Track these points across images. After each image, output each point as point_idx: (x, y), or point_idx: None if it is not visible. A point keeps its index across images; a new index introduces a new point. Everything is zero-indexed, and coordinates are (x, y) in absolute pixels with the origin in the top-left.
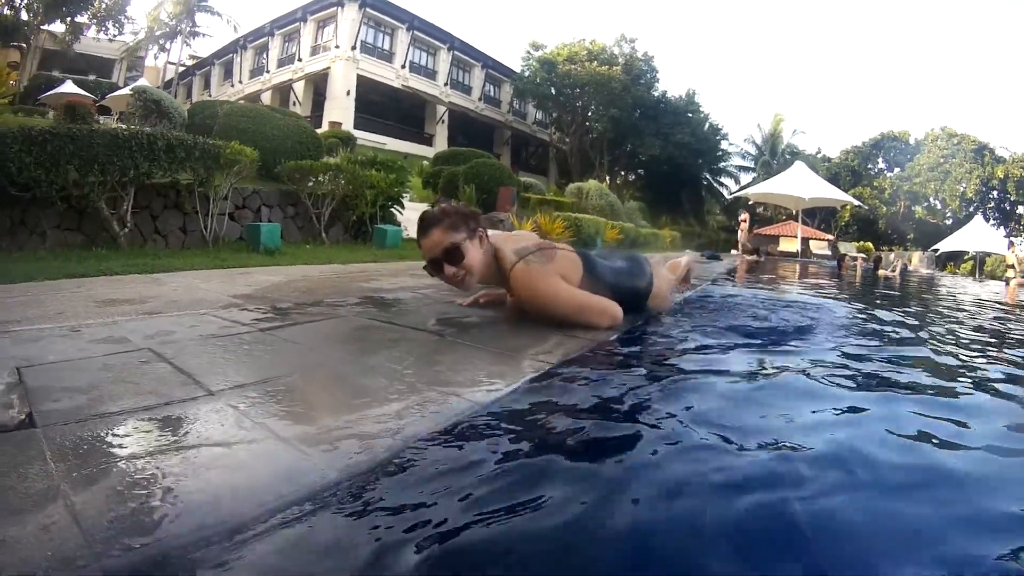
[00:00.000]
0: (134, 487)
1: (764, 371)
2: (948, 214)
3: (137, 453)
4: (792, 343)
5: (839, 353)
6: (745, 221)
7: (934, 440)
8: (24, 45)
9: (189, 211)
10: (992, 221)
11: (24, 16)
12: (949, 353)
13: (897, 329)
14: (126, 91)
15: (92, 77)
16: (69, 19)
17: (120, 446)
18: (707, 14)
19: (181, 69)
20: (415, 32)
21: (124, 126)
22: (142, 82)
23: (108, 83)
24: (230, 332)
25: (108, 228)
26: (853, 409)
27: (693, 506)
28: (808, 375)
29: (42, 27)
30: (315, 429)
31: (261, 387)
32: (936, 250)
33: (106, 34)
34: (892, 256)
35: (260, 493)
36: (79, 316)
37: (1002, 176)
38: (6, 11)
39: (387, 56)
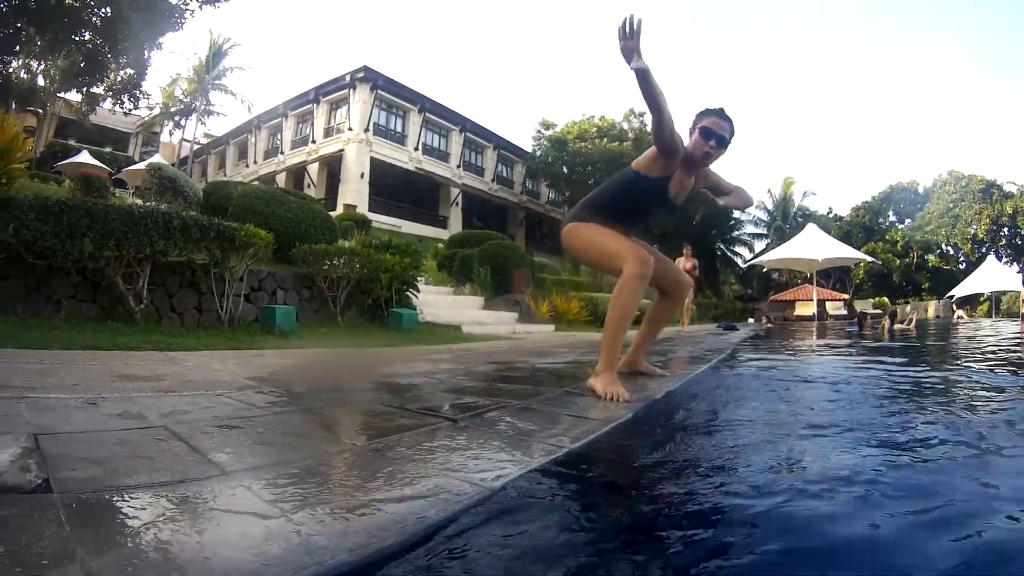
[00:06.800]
0: (147, 562)
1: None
2: (961, 258)
3: (151, 527)
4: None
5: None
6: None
7: None
8: (40, 111)
9: (205, 291)
10: (1005, 259)
11: (41, 82)
12: None
13: None
14: (141, 166)
15: (108, 149)
16: (85, 89)
17: (135, 519)
18: (713, 81)
19: (196, 147)
20: (427, 114)
21: (140, 202)
22: (157, 158)
23: (124, 156)
24: (244, 414)
25: (124, 303)
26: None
27: None
28: None
29: (58, 94)
30: (326, 512)
31: (274, 469)
32: (951, 296)
33: (121, 108)
34: (908, 308)
35: (271, 573)
36: (95, 389)
37: (1011, 211)
38: (23, 75)
39: (400, 138)
